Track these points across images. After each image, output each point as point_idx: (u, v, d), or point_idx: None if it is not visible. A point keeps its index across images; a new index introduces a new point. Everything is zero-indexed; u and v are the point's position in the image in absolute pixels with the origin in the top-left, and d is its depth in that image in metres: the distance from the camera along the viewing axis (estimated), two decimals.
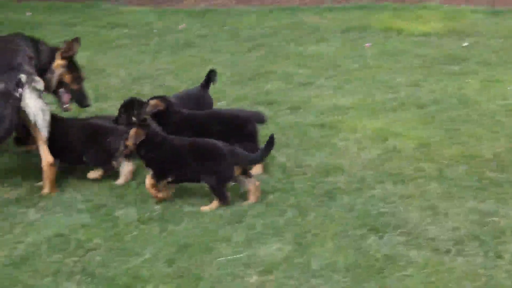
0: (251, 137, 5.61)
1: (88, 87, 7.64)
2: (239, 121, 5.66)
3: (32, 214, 4.93)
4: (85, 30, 10.38)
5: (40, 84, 5.41)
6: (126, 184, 5.45)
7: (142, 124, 5.20)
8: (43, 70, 5.87)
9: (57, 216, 4.90)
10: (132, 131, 5.10)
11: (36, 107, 5.32)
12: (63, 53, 5.97)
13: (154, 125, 5.35)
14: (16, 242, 4.55)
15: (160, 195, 5.10)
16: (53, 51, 6.00)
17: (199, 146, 5.14)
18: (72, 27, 10.66)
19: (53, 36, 9.06)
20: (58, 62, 5.95)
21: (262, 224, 4.73)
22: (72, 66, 6.05)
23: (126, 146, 5.20)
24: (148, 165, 5.21)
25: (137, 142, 5.09)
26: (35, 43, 5.97)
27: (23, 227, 4.75)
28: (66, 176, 5.57)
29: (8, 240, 4.57)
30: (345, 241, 4.48)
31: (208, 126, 5.58)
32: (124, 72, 8.41)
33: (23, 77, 5.29)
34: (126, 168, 5.53)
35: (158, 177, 5.12)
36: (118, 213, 4.96)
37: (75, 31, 10.34)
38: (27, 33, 6.16)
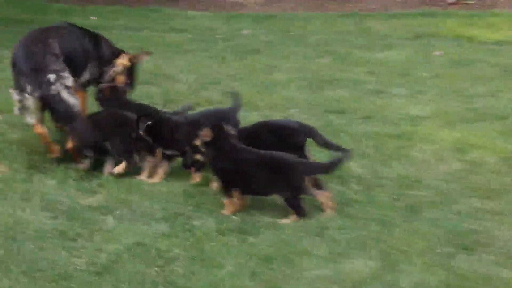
0: (299, 148, 5.46)
1: (157, 92, 7.67)
2: (287, 131, 5.52)
3: (110, 221, 4.85)
4: (151, 34, 10.40)
5: (69, 80, 5.60)
6: (202, 192, 5.35)
7: (213, 126, 5.11)
8: (103, 63, 6.08)
9: (135, 224, 4.82)
10: (203, 131, 5.05)
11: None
12: (131, 58, 6.17)
13: (229, 131, 5.21)
14: (97, 249, 4.48)
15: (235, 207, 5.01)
16: (118, 49, 6.20)
17: (268, 159, 5.00)
18: (137, 32, 10.68)
19: (118, 40, 9.06)
20: (124, 62, 6.14)
21: (345, 238, 4.58)
22: (130, 73, 6.20)
23: (195, 147, 5.15)
24: (214, 172, 5.12)
25: (202, 143, 5.03)
26: (93, 35, 6.13)
27: (102, 235, 4.67)
28: (142, 185, 5.51)
29: (89, 247, 4.50)
30: (433, 259, 4.31)
31: (258, 137, 5.48)
32: (191, 78, 8.36)
33: (51, 77, 5.49)
34: (148, 163, 5.57)
35: (223, 187, 5.04)
36: (196, 222, 4.85)
37: (140, 36, 10.38)
38: None
